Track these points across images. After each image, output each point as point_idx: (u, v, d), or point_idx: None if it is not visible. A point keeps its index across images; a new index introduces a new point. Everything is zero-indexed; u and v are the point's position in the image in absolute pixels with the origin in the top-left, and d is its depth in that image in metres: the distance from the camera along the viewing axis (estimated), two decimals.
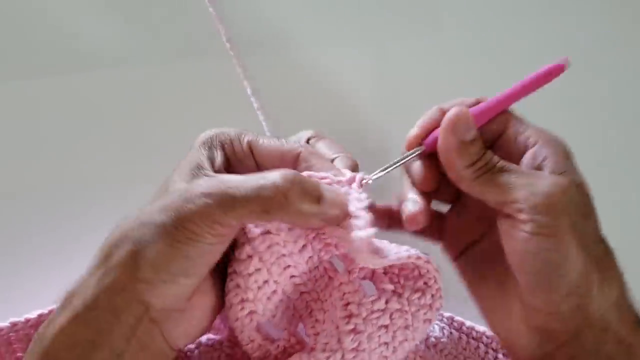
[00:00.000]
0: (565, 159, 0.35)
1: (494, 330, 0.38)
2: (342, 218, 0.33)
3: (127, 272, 0.30)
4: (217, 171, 0.34)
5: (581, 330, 0.33)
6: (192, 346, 0.39)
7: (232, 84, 0.52)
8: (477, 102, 0.37)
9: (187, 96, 0.52)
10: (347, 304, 0.34)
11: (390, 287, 0.35)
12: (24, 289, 0.45)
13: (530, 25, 0.55)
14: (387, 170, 0.37)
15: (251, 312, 0.34)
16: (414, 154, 0.37)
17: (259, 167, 0.36)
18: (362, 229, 0.31)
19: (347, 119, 0.52)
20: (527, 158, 0.36)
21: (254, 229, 0.34)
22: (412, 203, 0.37)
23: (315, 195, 0.32)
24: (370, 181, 0.36)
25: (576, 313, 0.33)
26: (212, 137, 0.36)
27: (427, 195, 0.38)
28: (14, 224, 0.47)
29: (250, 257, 0.33)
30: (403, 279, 0.35)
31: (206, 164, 0.34)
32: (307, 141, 0.39)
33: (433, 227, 0.40)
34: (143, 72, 0.51)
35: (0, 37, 0.51)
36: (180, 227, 0.30)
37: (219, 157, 0.35)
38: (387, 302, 0.34)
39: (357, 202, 0.33)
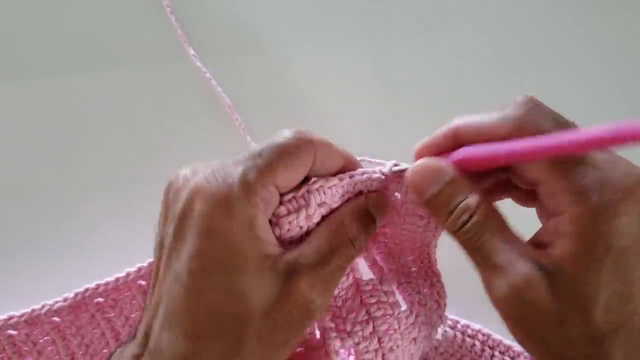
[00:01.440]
0: (580, 246, 0.28)
1: None
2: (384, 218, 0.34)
3: None
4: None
5: None
6: None
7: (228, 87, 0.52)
8: (511, 135, 0.29)
9: (174, 97, 0.51)
10: (386, 315, 0.34)
11: (417, 298, 0.35)
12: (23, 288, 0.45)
13: (531, 25, 0.55)
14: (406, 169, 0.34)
15: None
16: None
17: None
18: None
19: (340, 122, 0.52)
20: (548, 227, 0.30)
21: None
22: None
23: (374, 229, 0.33)
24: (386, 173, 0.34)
25: None
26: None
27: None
28: (12, 223, 0.47)
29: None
30: (422, 289, 0.35)
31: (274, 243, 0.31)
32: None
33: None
34: (132, 74, 0.51)
35: None
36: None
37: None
38: (416, 316, 0.34)
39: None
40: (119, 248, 0.44)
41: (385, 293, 0.34)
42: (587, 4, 0.55)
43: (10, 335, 0.39)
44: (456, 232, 0.31)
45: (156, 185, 0.32)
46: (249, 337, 0.28)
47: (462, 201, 0.31)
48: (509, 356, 0.42)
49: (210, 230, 0.28)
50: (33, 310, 0.38)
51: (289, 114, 0.51)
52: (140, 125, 0.50)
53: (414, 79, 0.53)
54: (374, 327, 0.33)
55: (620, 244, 0.28)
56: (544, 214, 0.31)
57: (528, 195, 0.33)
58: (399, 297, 0.35)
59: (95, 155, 0.49)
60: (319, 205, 0.31)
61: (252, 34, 0.53)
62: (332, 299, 0.34)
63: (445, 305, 0.36)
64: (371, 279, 0.35)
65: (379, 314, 0.34)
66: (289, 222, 0.30)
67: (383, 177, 0.33)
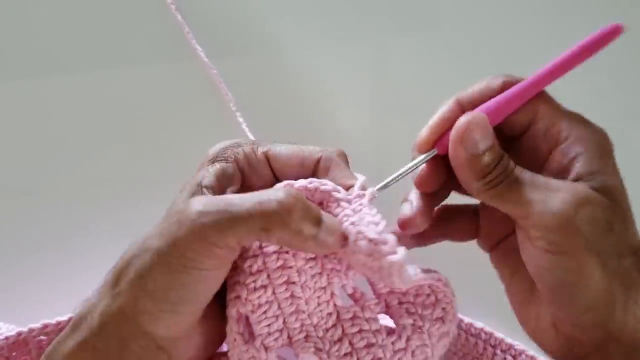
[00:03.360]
0: (597, 158, 0.32)
1: (524, 327, 0.36)
2: (337, 246, 0.31)
3: (130, 301, 0.29)
4: (225, 186, 0.32)
5: (607, 345, 0.32)
6: None
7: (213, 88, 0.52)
8: (504, 86, 0.34)
9: (177, 98, 0.52)
10: (370, 345, 0.32)
11: (410, 321, 0.34)
12: (57, 292, 0.46)
13: (530, 23, 0.55)
14: (394, 180, 0.34)
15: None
16: (424, 160, 0.34)
17: (276, 177, 0.34)
18: (392, 252, 0.30)
19: (340, 123, 0.52)
20: (555, 156, 0.33)
21: (270, 246, 0.32)
22: (406, 206, 0.35)
23: (316, 216, 0.30)
24: (376, 195, 0.33)
25: (598, 328, 0.31)
26: (222, 151, 0.33)
27: (430, 196, 0.35)
28: (11, 223, 0.48)
29: (260, 271, 0.32)
30: (421, 308, 0.34)
31: (208, 181, 0.32)
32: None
33: (466, 227, 0.37)
34: (132, 74, 0.52)
35: None
36: (175, 253, 0.28)
37: (229, 170, 0.33)
38: (408, 340, 0.33)
39: (374, 226, 0.31)
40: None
41: (367, 320, 0.33)
42: (586, 4, 0.56)
43: (40, 341, 0.40)
44: (505, 171, 0.32)
45: (162, 185, 0.33)
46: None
47: (503, 153, 0.32)
48: (511, 355, 0.42)
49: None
50: (70, 319, 0.38)
51: (289, 113, 0.52)
52: (146, 124, 0.51)
53: (414, 78, 0.53)
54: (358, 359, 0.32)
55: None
56: (538, 153, 0.34)
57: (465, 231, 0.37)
58: (388, 321, 0.34)
59: (99, 156, 0.50)
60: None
61: (252, 34, 0.53)
62: (313, 328, 0.33)
63: (454, 319, 0.35)
64: (351, 305, 0.34)
65: (361, 344, 0.32)
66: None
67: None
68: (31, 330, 0.40)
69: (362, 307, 0.33)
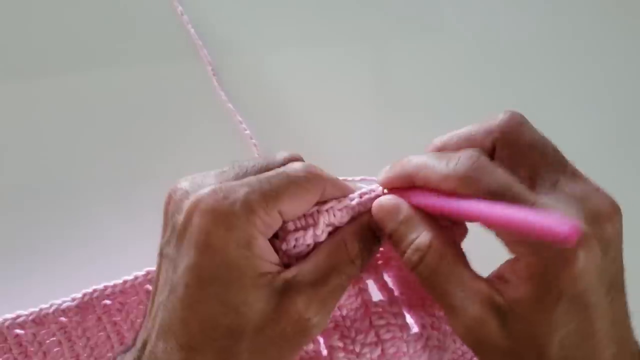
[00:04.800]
0: (534, 290, 0.29)
1: None
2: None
3: None
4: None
5: None
6: None
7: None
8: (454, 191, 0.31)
9: (174, 100, 0.52)
10: (395, 338, 0.34)
11: (430, 321, 0.35)
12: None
13: (530, 26, 0.55)
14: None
15: None
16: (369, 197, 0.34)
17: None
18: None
19: (340, 123, 0.52)
20: (505, 266, 0.32)
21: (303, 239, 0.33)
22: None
23: (351, 258, 0.32)
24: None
25: None
26: (242, 210, 0.30)
27: None
28: (11, 223, 0.48)
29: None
30: (437, 310, 0.35)
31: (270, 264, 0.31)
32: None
33: None
34: (134, 73, 0.52)
35: None
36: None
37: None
38: (427, 339, 0.34)
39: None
40: (128, 250, 0.45)
41: (395, 315, 0.34)
42: (586, 4, 0.56)
43: (17, 335, 0.40)
44: (414, 267, 0.31)
45: (164, 186, 0.32)
46: (241, 351, 0.29)
47: (413, 240, 0.31)
48: None
49: (207, 245, 0.29)
50: (41, 310, 0.39)
51: (289, 113, 0.52)
52: (148, 125, 0.51)
53: (414, 80, 0.53)
54: (382, 350, 0.33)
55: (572, 291, 0.29)
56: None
57: None
58: (410, 319, 0.35)
59: (104, 156, 0.50)
60: (327, 225, 0.32)
61: (251, 34, 0.54)
62: (341, 319, 0.34)
63: None
64: (381, 301, 0.35)
65: (387, 336, 0.34)
66: (296, 239, 0.31)
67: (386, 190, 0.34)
68: (4, 321, 0.39)
69: (391, 302, 0.35)
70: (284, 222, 0.32)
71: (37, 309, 0.39)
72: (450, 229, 0.33)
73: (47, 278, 0.47)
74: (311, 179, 0.31)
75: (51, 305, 0.39)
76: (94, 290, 0.40)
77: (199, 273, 0.29)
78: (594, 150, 0.51)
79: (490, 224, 0.30)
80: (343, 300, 0.34)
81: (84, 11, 0.53)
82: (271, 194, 0.30)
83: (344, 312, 0.34)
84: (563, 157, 0.32)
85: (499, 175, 0.30)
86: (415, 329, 0.35)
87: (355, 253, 0.32)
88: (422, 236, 0.31)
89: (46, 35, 0.52)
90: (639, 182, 0.53)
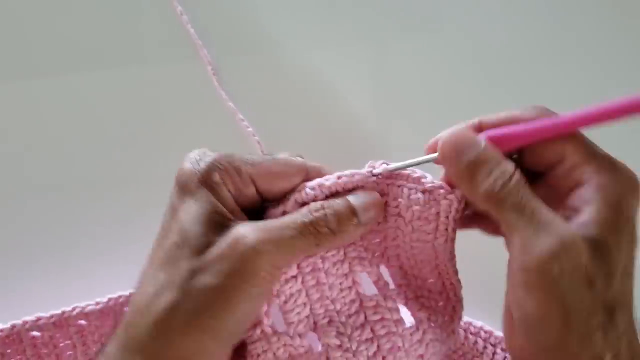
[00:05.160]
0: (607, 209, 0.30)
1: (511, 354, 0.35)
2: (380, 214, 0.33)
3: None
4: (231, 211, 0.32)
5: None
6: None
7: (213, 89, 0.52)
8: (539, 117, 0.32)
9: (172, 101, 0.52)
10: (390, 333, 0.34)
11: (425, 315, 0.35)
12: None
13: (531, 24, 0.55)
14: (397, 169, 0.34)
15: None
16: (425, 160, 0.34)
17: (260, 194, 0.34)
18: (449, 191, 0.33)
19: (341, 122, 0.52)
20: (572, 197, 0.32)
21: None
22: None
23: (349, 212, 0.32)
24: (378, 173, 0.34)
25: None
26: (209, 174, 0.32)
27: None
28: (12, 223, 0.48)
29: (294, 277, 0.33)
30: (434, 303, 0.35)
31: (223, 209, 0.32)
32: None
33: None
34: (135, 74, 0.52)
35: None
36: (240, 285, 0.30)
37: (228, 197, 0.32)
38: (424, 333, 0.34)
39: (424, 178, 0.33)
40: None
41: (389, 310, 0.34)
42: (586, 4, 0.56)
43: (34, 337, 0.40)
44: (497, 193, 0.31)
45: (167, 186, 0.33)
46: (182, 267, 0.30)
47: (498, 165, 0.31)
48: None
49: (172, 208, 0.32)
50: (63, 312, 0.39)
51: (289, 113, 0.52)
52: (150, 124, 0.51)
53: (415, 79, 0.53)
54: (378, 346, 0.33)
55: (634, 217, 0.31)
56: (558, 192, 0.32)
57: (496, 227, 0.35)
58: (407, 312, 0.35)
59: (104, 156, 0.50)
60: (298, 202, 0.33)
61: (251, 34, 0.54)
62: (336, 314, 0.34)
63: (460, 319, 0.36)
64: (375, 295, 0.35)
65: (382, 332, 0.33)
66: (269, 216, 0.33)
67: (374, 177, 0.33)
68: (24, 323, 0.40)
69: (385, 296, 0.35)
70: (264, 202, 0.33)
71: (59, 312, 0.39)
72: None
73: (43, 278, 0.47)
74: (290, 162, 0.34)
75: (73, 309, 0.39)
76: (120, 296, 0.40)
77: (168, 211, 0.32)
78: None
79: (587, 123, 0.31)
80: (336, 294, 0.34)
81: (84, 12, 0.53)
82: (247, 165, 0.33)
83: (338, 307, 0.34)
84: None
85: None
86: (411, 322, 0.34)
87: (326, 221, 0.32)
88: (506, 162, 0.32)
89: (46, 36, 0.52)
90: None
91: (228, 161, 0.33)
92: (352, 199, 0.33)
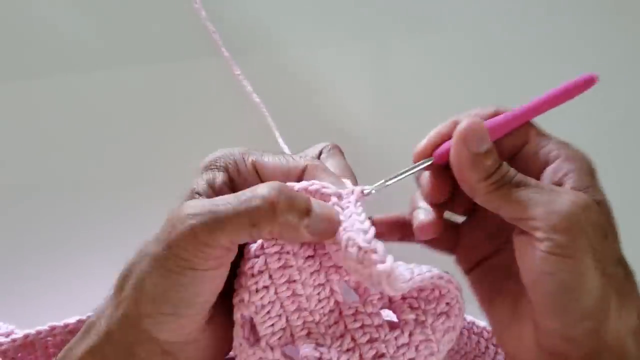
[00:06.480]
0: (587, 175, 0.34)
1: (504, 348, 0.37)
2: (332, 233, 0.32)
3: (132, 306, 0.30)
4: (217, 193, 0.33)
5: (596, 356, 0.32)
6: None
7: (229, 86, 0.52)
8: (496, 114, 0.36)
9: (187, 98, 0.52)
10: (372, 340, 0.33)
11: (412, 316, 0.34)
12: (63, 293, 0.47)
13: (531, 24, 0.55)
14: (391, 182, 0.36)
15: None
16: (422, 166, 0.36)
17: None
18: (381, 260, 0.30)
19: (345, 121, 0.53)
20: (547, 173, 0.34)
21: (272, 247, 0.33)
22: (423, 212, 0.36)
23: (303, 207, 0.31)
24: (373, 191, 0.35)
25: (591, 337, 0.32)
26: (214, 160, 0.34)
27: (439, 206, 0.37)
28: (12, 224, 0.48)
29: (261, 272, 0.32)
30: (424, 303, 0.34)
31: (201, 187, 0.33)
32: (319, 154, 0.37)
33: (446, 238, 0.39)
34: (141, 73, 0.52)
35: None
36: (170, 255, 0.29)
37: (219, 178, 0.33)
38: (410, 335, 0.33)
39: (363, 234, 0.31)
40: None
41: (369, 315, 0.33)
42: (586, 4, 0.56)
43: (47, 342, 0.40)
44: (507, 174, 0.33)
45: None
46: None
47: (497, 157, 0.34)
48: None
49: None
50: (79, 321, 0.40)
51: (289, 113, 0.52)
52: (163, 122, 0.51)
53: (415, 78, 0.54)
54: (360, 355, 0.32)
55: None
56: (528, 173, 0.34)
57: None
58: (391, 316, 0.34)
59: (124, 154, 0.51)
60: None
61: (253, 34, 0.54)
62: (315, 325, 0.33)
63: (460, 313, 0.35)
64: (354, 302, 0.34)
65: (364, 339, 0.33)
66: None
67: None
68: (38, 333, 0.40)
69: (364, 302, 0.34)
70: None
71: (73, 320, 0.40)
72: None
73: (48, 279, 0.48)
74: (291, 156, 0.35)
75: (89, 317, 0.38)
76: None
77: None
78: (594, 150, 0.50)
79: (542, 109, 0.35)
80: (314, 305, 0.33)
81: (103, 9, 0.53)
82: (253, 152, 0.34)
83: (317, 318, 0.33)
84: None
85: None
86: (394, 325, 0.34)
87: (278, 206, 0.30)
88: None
89: (67, 35, 0.52)
90: (638, 182, 0.54)
91: (237, 149, 0.35)
92: (315, 203, 0.31)
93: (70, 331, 0.40)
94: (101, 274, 0.45)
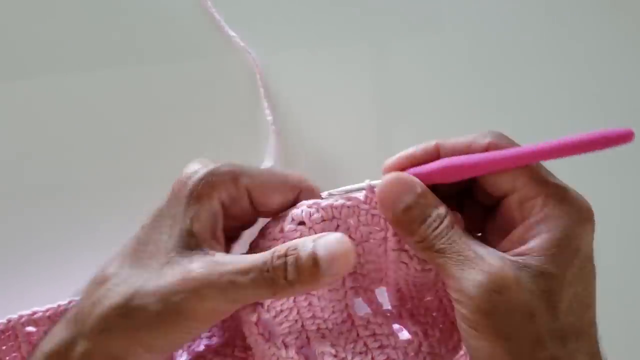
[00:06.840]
0: (554, 241, 0.30)
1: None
2: (347, 267, 0.31)
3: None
4: (213, 228, 0.32)
5: None
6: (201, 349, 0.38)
7: (229, 86, 0.52)
8: (491, 145, 0.33)
9: (186, 96, 0.52)
10: (383, 346, 0.34)
11: (421, 329, 0.35)
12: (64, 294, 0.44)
13: (531, 25, 0.56)
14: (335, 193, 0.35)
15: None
16: (358, 189, 0.35)
17: (255, 207, 0.35)
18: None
19: (341, 121, 0.52)
20: (519, 228, 0.32)
21: None
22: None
23: (308, 264, 0.30)
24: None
25: None
26: (201, 184, 0.32)
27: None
28: (12, 223, 0.48)
29: None
30: (432, 319, 0.35)
31: (200, 228, 0.32)
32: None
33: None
34: (143, 72, 0.52)
35: None
36: (178, 318, 0.30)
37: (215, 210, 0.33)
38: (420, 345, 0.34)
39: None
40: None
41: (380, 325, 0.35)
42: (587, 5, 0.56)
43: (29, 333, 0.40)
44: (428, 237, 0.31)
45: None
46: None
47: (433, 211, 0.32)
48: None
49: (159, 212, 0.34)
50: (59, 306, 0.39)
51: (289, 112, 0.52)
52: (148, 126, 0.51)
53: (415, 79, 0.54)
54: (372, 358, 0.33)
55: (586, 251, 0.31)
56: (509, 223, 0.33)
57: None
58: (402, 330, 0.35)
59: (123, 153, 0.50)
60: (295, 221, 0.33)
61: (249, 34, 0.53)
62: (328, 331, 0.34)
63: (460, 339, 0.35)
64: (366, 313, 0.35)
65: (375, 345, 0.34)
66: (268, 232, 0.34)
67: (366, 206, 0.33)
68: (20, 317, 0.40)
69: (375, 313, 0.35)
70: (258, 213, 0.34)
71: (54, 305, 0.40)
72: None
73: (39, 274, 0.47)
74: (286, 177, 0.34)
75: (69, 302, 0.39)
76: None
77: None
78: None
79: (551, 156, 0.31)
80: (328, 315, 0.34)
81: (112, 8, 0.52)
82: (243, 170, 0.33)
83: (330, 325, 0.34)
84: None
85: None
86: (405, 335, 0.35)
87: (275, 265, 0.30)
88: (441, 207, 0.32)
89: (84, 33, 0.52)
90: (637, 182, 0.53)
91: (226, 170, 0.33)
92: (320, 248, 0.30)
93: (50, 316, 0.39)
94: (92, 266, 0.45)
